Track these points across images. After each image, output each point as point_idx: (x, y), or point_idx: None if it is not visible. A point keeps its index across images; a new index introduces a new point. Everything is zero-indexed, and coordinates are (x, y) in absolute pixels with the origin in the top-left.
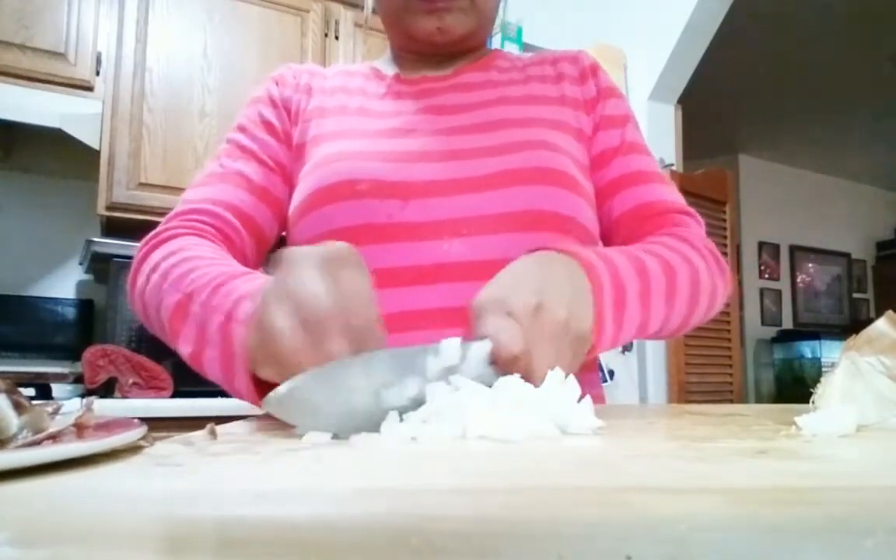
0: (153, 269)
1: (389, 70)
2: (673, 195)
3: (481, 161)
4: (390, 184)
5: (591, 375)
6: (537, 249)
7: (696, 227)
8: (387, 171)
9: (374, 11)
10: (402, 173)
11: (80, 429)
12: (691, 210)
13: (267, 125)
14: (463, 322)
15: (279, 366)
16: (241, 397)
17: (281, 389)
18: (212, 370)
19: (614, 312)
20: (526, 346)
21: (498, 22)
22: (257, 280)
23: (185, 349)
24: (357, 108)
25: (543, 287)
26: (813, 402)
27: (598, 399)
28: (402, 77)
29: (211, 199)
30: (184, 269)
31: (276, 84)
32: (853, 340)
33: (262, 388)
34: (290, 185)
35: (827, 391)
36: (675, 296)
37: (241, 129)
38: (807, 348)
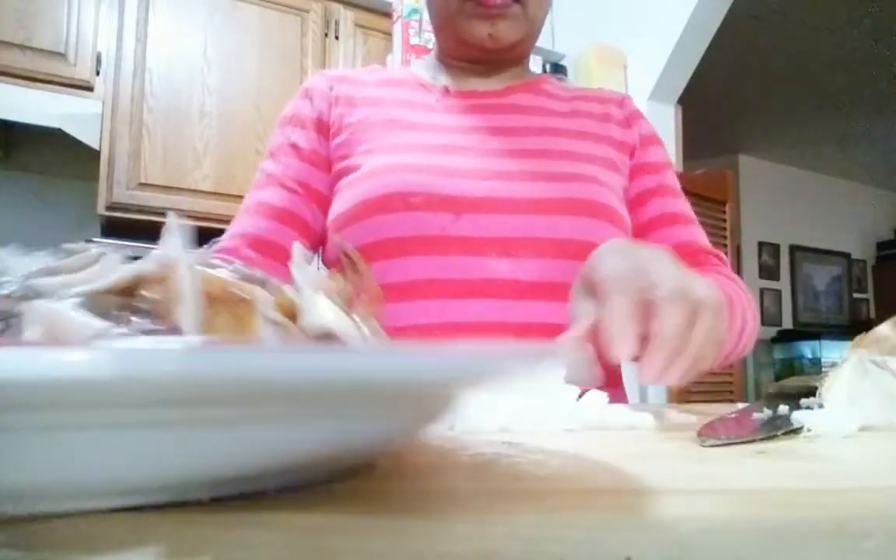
0: None
1: (436, 79)
2: (705, 238)
3: (532, 185)
4: (443, 197)
5: (619, 391)
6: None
7: (728, 268)
8: (440, 185)
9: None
10: (455, 188)
11: None
12: (719, 252)
13: (292, 148)
14: (502, 337)
15: None
16: None
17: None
18: None
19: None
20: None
21: None
22: None
23: None
24: (406, 121)
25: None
26: (819, 395)
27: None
28: (451, 89)
29: (234, 234)
30: None
31: (307, 97)
32: (861, 338)
33: None
34: (319, 201)
35: (834, 389)
36: (741, 330)
37: (270, 155)
38: (807, 348)
